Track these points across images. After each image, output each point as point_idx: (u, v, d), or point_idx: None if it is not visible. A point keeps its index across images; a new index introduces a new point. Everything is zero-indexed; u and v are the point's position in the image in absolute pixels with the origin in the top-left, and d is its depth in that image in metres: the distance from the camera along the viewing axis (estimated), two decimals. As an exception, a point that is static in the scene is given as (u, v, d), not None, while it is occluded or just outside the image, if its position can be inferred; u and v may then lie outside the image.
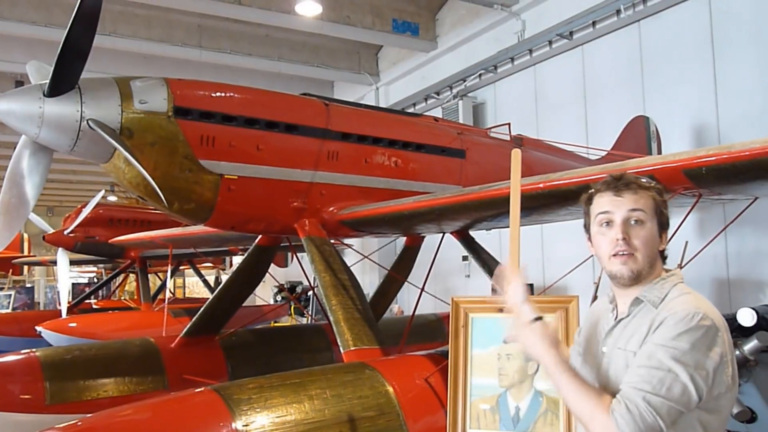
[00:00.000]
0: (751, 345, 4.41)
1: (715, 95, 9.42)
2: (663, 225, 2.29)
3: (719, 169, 3.89)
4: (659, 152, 9.91)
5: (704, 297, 2.19)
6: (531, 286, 11.11)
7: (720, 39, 9.40)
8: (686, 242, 7.61)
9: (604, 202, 2.28)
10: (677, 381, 1.96)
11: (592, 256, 2.44)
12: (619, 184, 2.27)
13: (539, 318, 2.29)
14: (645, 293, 2.22)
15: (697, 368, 1.97)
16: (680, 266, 5.71)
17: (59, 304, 13.04)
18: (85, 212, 12.89)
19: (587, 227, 2.38)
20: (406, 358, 5.08)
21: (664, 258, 2.33)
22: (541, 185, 4.62)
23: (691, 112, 9.78)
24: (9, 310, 18.09)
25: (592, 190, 2.36)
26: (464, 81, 14.03)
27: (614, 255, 2.22)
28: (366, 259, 7.21)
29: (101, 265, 19.44)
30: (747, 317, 4.55)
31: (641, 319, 2.19)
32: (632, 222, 2.22)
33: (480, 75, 13.61)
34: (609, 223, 2.25)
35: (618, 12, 10.64)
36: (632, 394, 1.97)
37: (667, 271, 2.30)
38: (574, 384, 2.09)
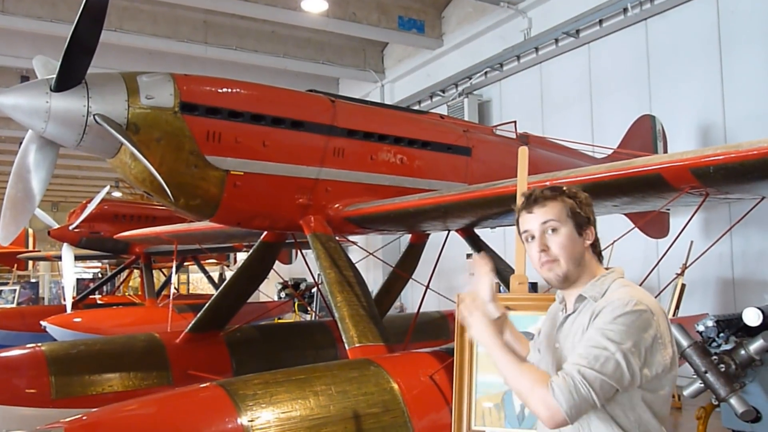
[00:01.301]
0: (756, 345, 4.40)
1: (722, 94, 9.39)
2: (581, 224, 2.42)
3: (727, 168, 3.88)
4: (665, 151, 9.88)
5: (643, 289, 2.35)
6: (535, 284, 11.09)
7: (727, 38, 9.37)
8: (691, 242, 7.61)
9: (522, 222, 2.48)
10: (611, 358, 2.09)
11: None
12: (529, 201, 2.46)
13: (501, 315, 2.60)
14: (587, 290, 2.37)
15: (631, 348, 2.11)
16: (685, 266, 5.69)
17: (64, 299, 13.09)
18: (90, 208, 12.92)
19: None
20: (411, 355, 5.08)
21: (599, 255, 2.49)
22: (547, 183, 4.60)
23: (697, 111, 9.75)
24: (14, 305, 18.12)
25: (516, 212, 2.55)
26: (470, 79, 14.00)
27: (540, 266, 2.42)
28: (371, 256, 7.20)
29: (106, 261, 19.49)
30: (753, 317, 4.54)
31: (586, 314, 2.33)
32: (549, 232, 2.39)
33: (486, 73, 13.60)
34: (531, 238, 2.44)
35: (625, 10, 10.60)
36: (569, 368, 2.12)
37: (607, 269, 2.46)
38: (515, 363, 2.24)
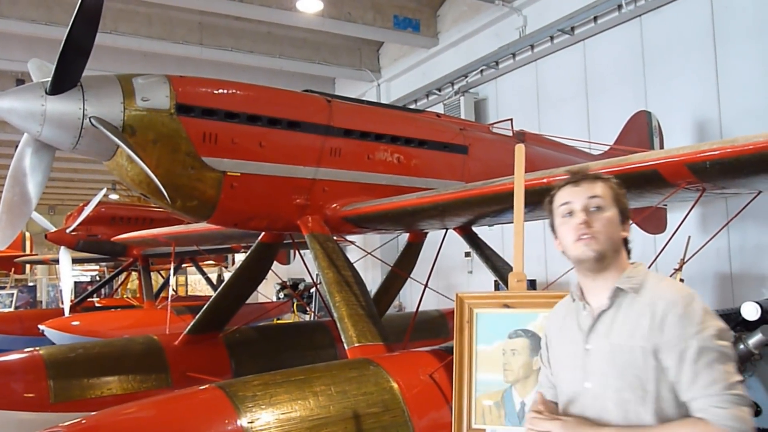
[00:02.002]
0: (755, 339, 4.41)
1: (717, 90, 9.40)
2: (624, 213, 2.36)
3: (723, 163, 3.88)
4: (661, 147, 9.90)
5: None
6: (533, 281, 11.11)
7: (721, 33, 9.38)
8: (689, 237, 7.62)
9: (564, 195, 2.38)
10: (727, 356, 2.07)
11: None
12: (577, 176, 2.39)
13: None
14: (623, 283, 2.27)
15: (729, 339, 2.11)
16: (683, 261, 5.70)
17: (62, 303, 13.07)
18: (87, 210, 12.89)
19: (553, 227, 2.46)
20: (411, 355, 5.07)
21: (628, 250, 2.40)
22: (544, 180, 4.61)
23: (692, 106, 9.77)
24: (11, 309, 18.08)
25: (554, 190, 2.46)
26: (466, 77, 14.02)
27: (577, 239, 2.29)
28: (369, 256, 7.20)
29: (103, 264, 19.43)
30: (751, 311, 4.56)
31: (630, 311, 2.23)
32: (592, 208, 2.30)
33: (481, 71, 13.60)
34: (571, 213, 2.34)
35: (619, 7, 10.61)
36: (713, 396, 2.04)
37: (632, 263, 2.38)
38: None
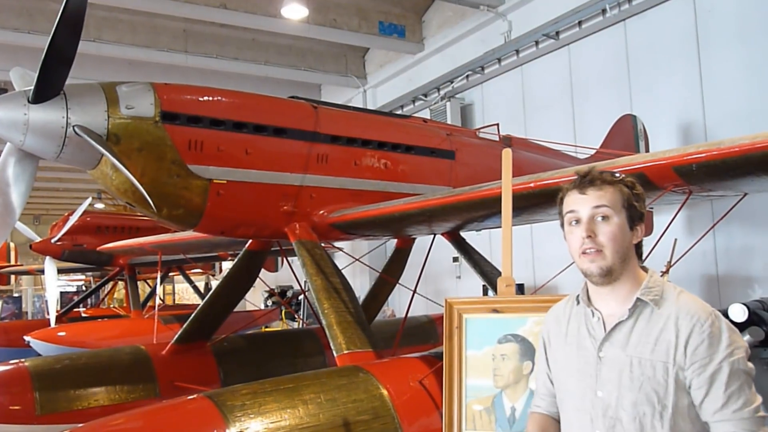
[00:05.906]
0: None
1: (701, 93, 9.47)
2: (634, 218, 2.25)
3: (709, 165, 3.90)
4: (647, 150, 9.95)
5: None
6: (521, 286, 11.12)
7: (705, 37, 9.45)
8: (675, 240, 7.68)
9: (570, 201, 2.29)
10: (752, 378, 2.08)
11: None
12: (584, 181, 2.27)
13: None
14: (644, 294, 2.20)
15: (749, 365, 2.10)
16: (670, 264, 5.72)
17: (48, 313, 12.95)
18: (72, 220, 12.79)
19: (563, 227, 2.39)
20: (400, 361, 5.06)
21: (639, 254, 2.31)
22: (531, 185, 4.61)
23: (677, 109, 9.83)
24: (-3, 320, 17.93)
25: (563, 191, 2.37)
26: (452, 82, 14.05)
27: (582, 253, 2.21)
28: (357, 262, 7.18)
29: (89, 273, 19.29)
30: (738, 313, 4.58)
31: (651, 324, 2.17)
32: (598, 219, 2.21)
33: (467, 76, 13.64)
34: (577, 221, 2.25)
35: (604, 11, 10.69)
36: (745, 419, 2.03)
37: (644, 269, 2.30)
38: None
